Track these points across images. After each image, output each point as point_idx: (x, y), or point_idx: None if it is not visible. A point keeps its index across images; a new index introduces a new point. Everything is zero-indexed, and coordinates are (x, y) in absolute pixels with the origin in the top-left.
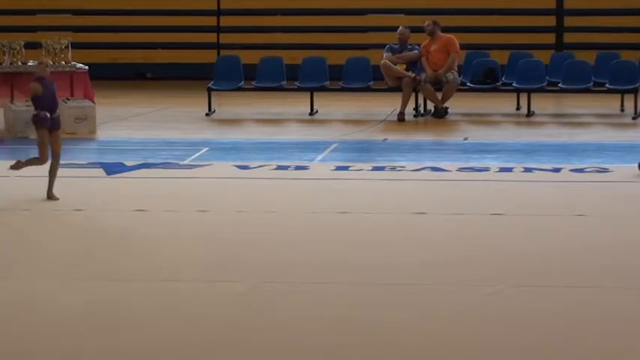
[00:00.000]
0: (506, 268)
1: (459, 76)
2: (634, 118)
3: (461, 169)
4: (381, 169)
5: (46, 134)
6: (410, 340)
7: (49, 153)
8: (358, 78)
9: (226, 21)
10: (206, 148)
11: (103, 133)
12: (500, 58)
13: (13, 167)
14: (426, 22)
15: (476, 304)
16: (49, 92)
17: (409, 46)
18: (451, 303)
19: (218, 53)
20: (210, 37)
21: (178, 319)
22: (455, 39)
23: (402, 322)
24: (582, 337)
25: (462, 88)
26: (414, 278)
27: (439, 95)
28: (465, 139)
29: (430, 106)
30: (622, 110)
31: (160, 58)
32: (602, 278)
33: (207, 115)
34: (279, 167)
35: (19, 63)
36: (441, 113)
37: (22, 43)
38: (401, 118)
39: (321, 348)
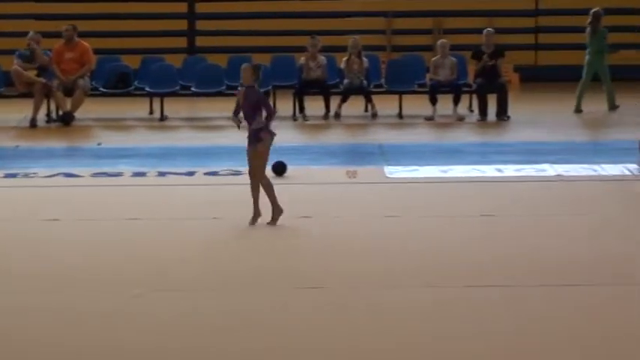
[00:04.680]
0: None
1: (91, 81)
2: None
3: (94, 175)
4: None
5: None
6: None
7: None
8: None
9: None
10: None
11: None
12: (133, 62)
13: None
14: (65, 27)
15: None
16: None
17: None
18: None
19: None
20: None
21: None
22: (90, 49)
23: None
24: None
25: (95, 93)
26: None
27: (69, 101)
28: (99, 144)
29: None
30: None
31: None
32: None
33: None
34: None
35: None
36: (67, 119)
37: None
38: (33, 124)
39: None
